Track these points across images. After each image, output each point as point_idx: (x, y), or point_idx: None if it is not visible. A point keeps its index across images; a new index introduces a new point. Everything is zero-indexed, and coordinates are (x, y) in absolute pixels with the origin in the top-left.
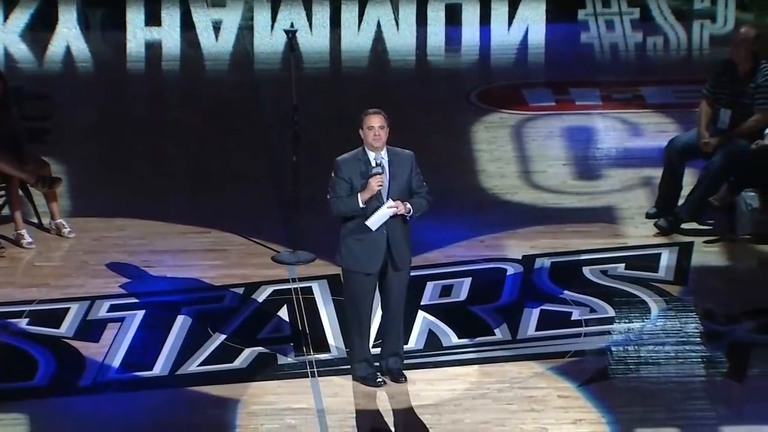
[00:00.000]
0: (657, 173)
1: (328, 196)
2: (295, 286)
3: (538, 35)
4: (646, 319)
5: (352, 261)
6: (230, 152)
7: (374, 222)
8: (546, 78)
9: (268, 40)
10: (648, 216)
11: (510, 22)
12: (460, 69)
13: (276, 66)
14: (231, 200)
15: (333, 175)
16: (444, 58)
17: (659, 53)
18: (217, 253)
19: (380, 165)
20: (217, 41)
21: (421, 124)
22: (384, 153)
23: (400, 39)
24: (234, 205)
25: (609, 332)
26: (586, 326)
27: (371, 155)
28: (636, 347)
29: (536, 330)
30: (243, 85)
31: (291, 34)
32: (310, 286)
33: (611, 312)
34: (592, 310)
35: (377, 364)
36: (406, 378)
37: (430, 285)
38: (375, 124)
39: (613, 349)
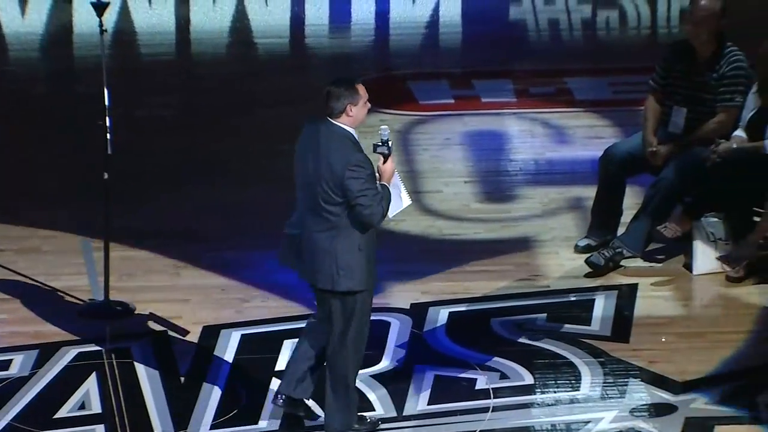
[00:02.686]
0: (589, 193)
1: (375, 199)
2: (108, 347)
3: (452, 9)
4: (576, 387)
5: (369, 277)
6: (28, 164)
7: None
8: (462, 66)
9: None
10: (577, 250)
11: None
12: (346, 54)
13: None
14: (21, 229)
15: (364, 171)
16: (328, 40)
17: (613, 32)
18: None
19: (387, 141)
20: (24, 18)
21: (279, 130)
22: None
23: (270, 15)
24: (25, 234)
25: (526, 405)
26: (495, 398)
27: (355, 134)
28: (563, 425)
29: (429, 403)
30: (58, 74)
31: (100, 7)
32: (128, 348)
33: (529, 379)
34: (504, 376)
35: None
36: None
37: (287, 344)
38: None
39: (533, 427)
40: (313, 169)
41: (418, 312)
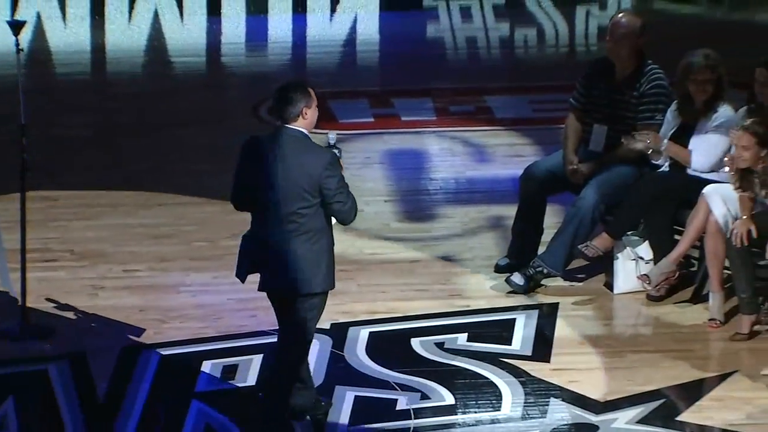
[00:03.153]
0: (510, 212)
1: (350, 195)
2: (26, 369)
3: (370, 27)
4: (497, 407)
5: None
6: None
7: None
8: (381, 84)
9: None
10: (498, 269)
11: (333, 10)
12: (264, 73)
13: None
14: None
15: (338, 169)
16: (245, 59)
17: (532, 50)
18: None
19: (335, 145)
20: None
21: (196, 149)
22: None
23: (186, 33)
24: None
25: (448, 426)
26: (416, 418)
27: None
28: None
29: (350, 424)
30: None
31: (16, 26)
32: (46, 369)
33: (450, 398)
34: (425, 396)
35: None
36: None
37: (207, 365)
38: None
39: None
40: (283, 175)
41: (338, 332)
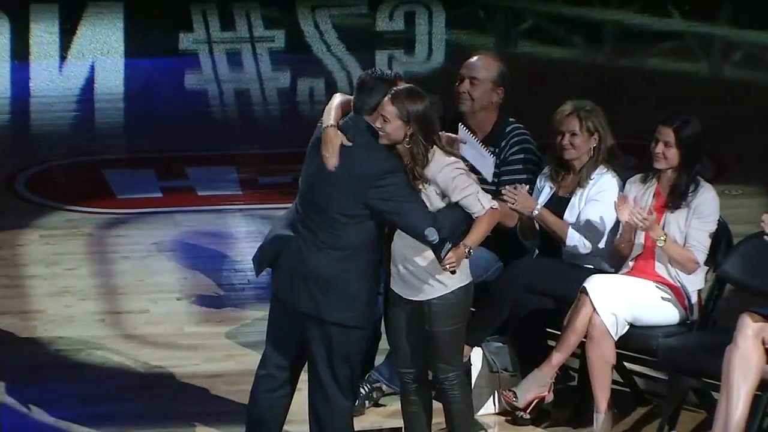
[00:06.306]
0: None
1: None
2: None
3: (112, 76)
4: None
5: (371, 312)
6: None
7: None
8: (129, 150)
9: None
10: None
11: (63, 56)
12: None
13: None
14: None
15: (398, 178)
16: None
17: (319, 105)
18: None
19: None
20: None
21: None
22: None
23: None
24: None
25: None
26: None
27: None
28: None
29: None
30: None
31: None
32: None
33: None
34: None
35: None
36: None
37: None
38: None
39: None
40: (332, 170)
41: None
